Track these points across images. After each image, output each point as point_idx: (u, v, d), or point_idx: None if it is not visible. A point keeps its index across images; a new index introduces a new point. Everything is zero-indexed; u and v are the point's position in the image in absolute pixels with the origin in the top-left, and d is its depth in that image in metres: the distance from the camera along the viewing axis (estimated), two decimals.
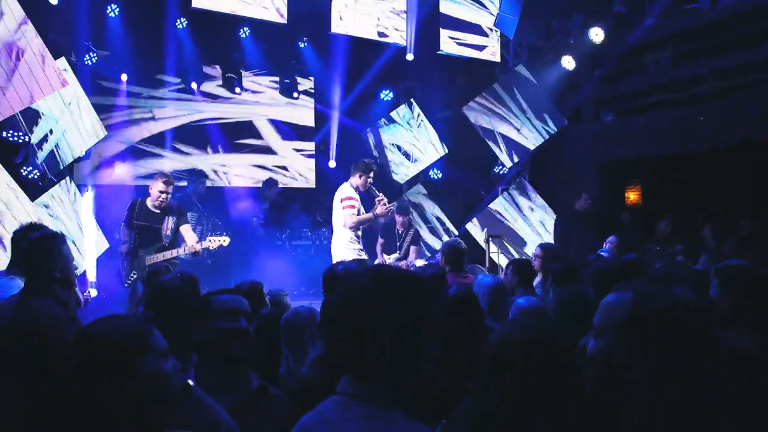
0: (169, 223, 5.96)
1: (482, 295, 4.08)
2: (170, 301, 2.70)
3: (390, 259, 8.56)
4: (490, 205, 9.83)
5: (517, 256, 8.35)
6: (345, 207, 6.27)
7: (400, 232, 8.69)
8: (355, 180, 6.36)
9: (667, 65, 8.61)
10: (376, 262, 8.74)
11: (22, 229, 3.38)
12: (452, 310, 3.34)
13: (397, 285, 1.38)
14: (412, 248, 8.68)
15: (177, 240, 6.07)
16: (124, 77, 9.36)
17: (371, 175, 6.36)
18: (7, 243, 4.91)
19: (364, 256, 6.38)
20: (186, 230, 6.08)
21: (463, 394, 2.97)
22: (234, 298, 2.29)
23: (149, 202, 5.98)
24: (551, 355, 1.60)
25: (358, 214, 6.36)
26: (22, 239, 3.35)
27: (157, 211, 5.98)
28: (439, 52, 9.36)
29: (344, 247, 6.31)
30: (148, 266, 5.77)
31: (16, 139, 6.39)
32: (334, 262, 6.24)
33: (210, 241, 6.08)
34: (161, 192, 5.89)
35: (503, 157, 9.72)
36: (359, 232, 6.43)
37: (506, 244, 8.75)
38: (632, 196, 10.33)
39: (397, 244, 8.63)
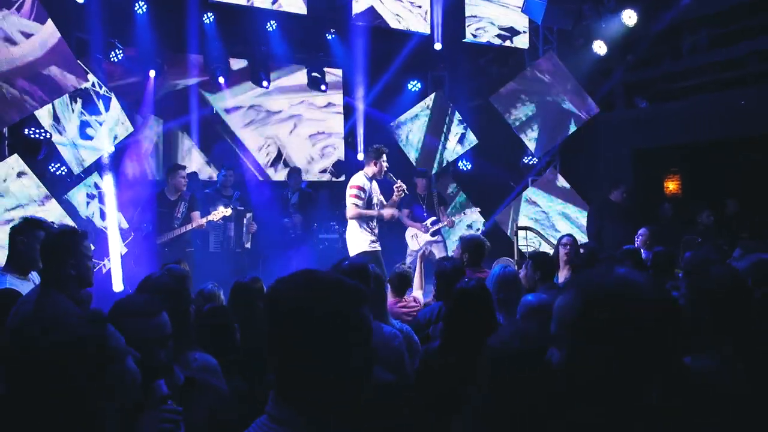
0: (181, 208, 6.72)
1: (491, 286, 3.93)
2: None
3: (428, 224, 8.38)
4: (519, 196, 9.58)
5: (547, 248, 8.11)
6: (350, 195, 6.22)
7: (422, 195, 8.53)
8: (371, 168, 6.31)
9: (704, 48, 8.21)
10: (409, 232, 8.56)
11: (23, 224, 3.37)
12: (459, 303, 3.22)
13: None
14: (441, 209, 8.55)
15: (185, 224, 6.75)
16: (152, 73, 9.42)
17: (384, 159, 6.30)
18: None
19: (377, 247, 6.30)
20: (195, 216, 6.75)
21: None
22: (147, 324, 2.11)
23: (167, 192, 6.79)
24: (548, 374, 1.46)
25: (368, 204, 6.26)
26: (26, 233, 3.37)
27: (174, 198, 6.75)
28: (465, 41, 9.13)
29: (356, 237, 6.25)
30: (159, 244, 6.54)
31: (37, 135, 6.49)
32: (350, 252, 6.32)
33: (214, 214, 6.74)
34: (183, 178, 6.78)
35: (532, 146, 9.45)
36: (373, 223, 6.34)
37: (535, 236, 8.51)
38: (671, 185, 9.94)
39: (423, 207, 8.48)
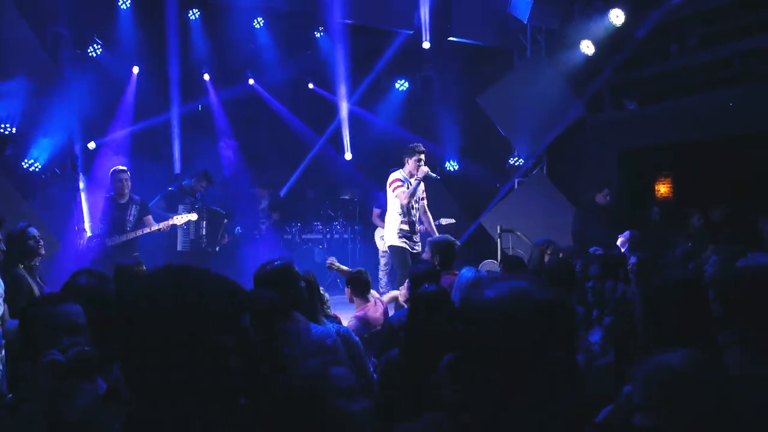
0: (132, 211, 6.60)
1: (460, 290, 3.82)
2: (86, 302, 2.50)
3: None
4: (505, 198, 9.43)
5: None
6: (394, 189, 6.34)
7: None
8: (407, 167, 6.40)
9: (692, 48, 8.07)
10: (378, 233, 8.39)
11: None
12: (417, 308, 3.13)
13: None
14: None
15: (138, 227, 6.64)
16: (135, 69, 9.28)
17: (418, 156, 6.34)
18: None
19: (407, 245, 6.35)
20: (148, 220, 6.66)
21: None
22: (62, 311, 2.10)
23: (116, 196, 6.64)
24: None
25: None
26: None
27: (123, 201, 6.62)
28: (450, 39, 9.00)
29: (390, 230, 6.43)
30: (112, 247, 6.40)
31: (1, 130, 6.30)
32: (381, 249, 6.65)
33: (176, 218, 6.70)
34: (120, 182, 6.57)
35: (519, 147, 9.31)
36: (412, 218, 6.40)
37: (520, 238, 8.37)
38: (663, 188, 9.79)
39: None
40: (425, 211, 6.66)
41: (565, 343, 1.22)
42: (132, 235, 6.48)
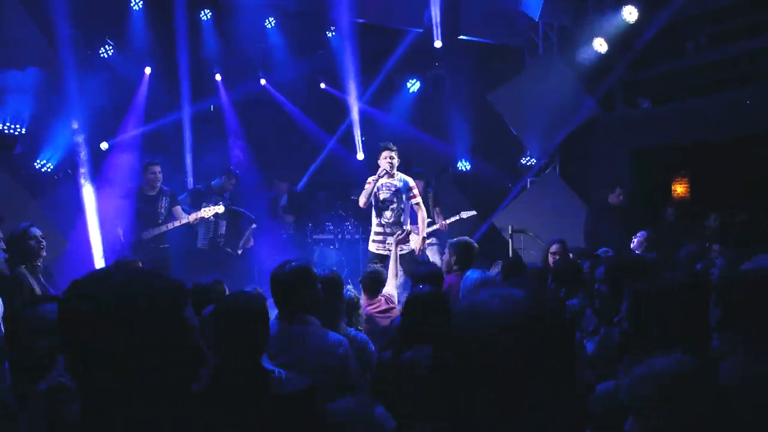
0: (163, 203, 6.72)
1: (465, 291, 3.78)
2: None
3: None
4: (517, 198, 9.33)
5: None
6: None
7: None
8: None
9: (707, 45, 7.92)
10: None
11: None
12: (411, 310, 3.09)
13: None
14: (437, 210, 8.27)
15: (169, 219, 6.77)
16: (147, 70, 9.33)
17: (386, 155, 6.23)
18: None
19: (382, 250, 6.25)
20: (177, 211, 6.79)
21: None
22: (29, 313, 2.15)
23: (145, 188, 6.76)
24: None
25: (374, 201, 6.35)
26: None
27: (153, 194, 6.73)
28: (461, 37, 8.94)
29: (371, 239, 6.44)
30: (146, 241, 6.57)
31: (11, 131, 6.33)
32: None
33: (205, 210, 6.75)
34: (154, 174, 6.70)
35: (530, 145, 9.21)
36: (384, 220, 6.30)
37: (532, 238, 8.28)
38: (679, 188, 9.64)
39: None
40: (419, 209, 6.46)
41: (563, 350, 1.14)
42: (164, 228, 6.61)
